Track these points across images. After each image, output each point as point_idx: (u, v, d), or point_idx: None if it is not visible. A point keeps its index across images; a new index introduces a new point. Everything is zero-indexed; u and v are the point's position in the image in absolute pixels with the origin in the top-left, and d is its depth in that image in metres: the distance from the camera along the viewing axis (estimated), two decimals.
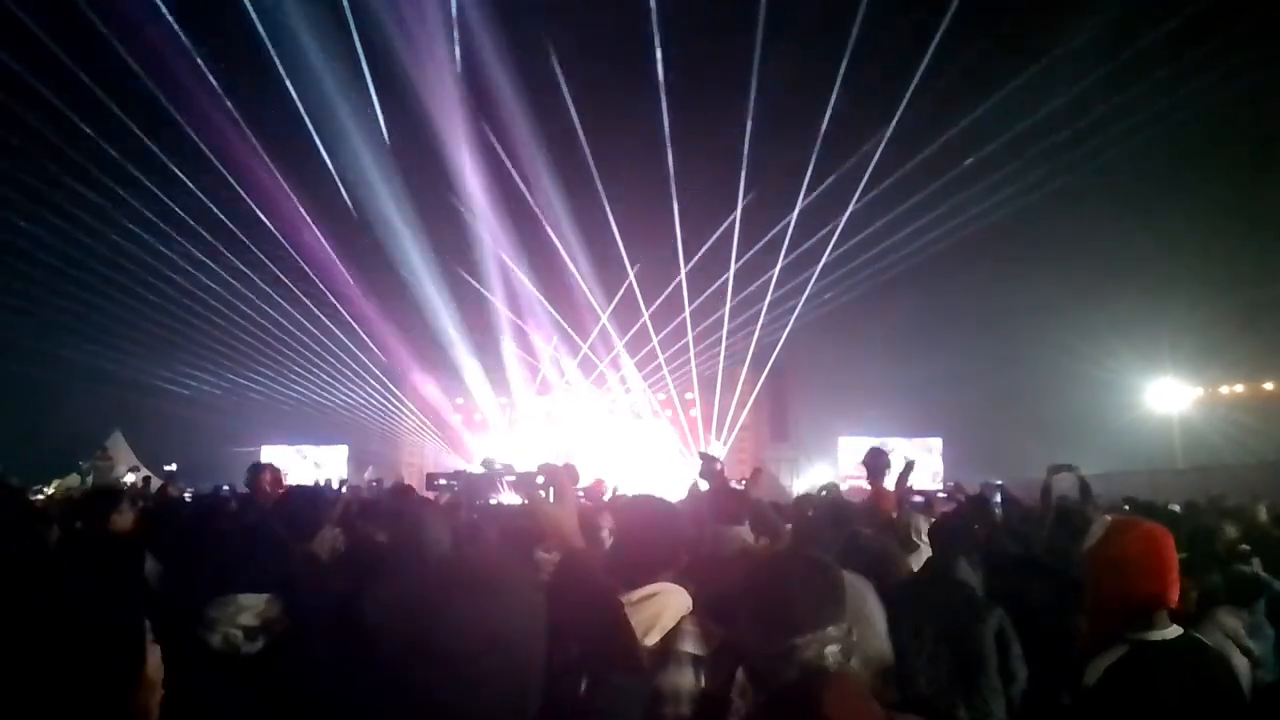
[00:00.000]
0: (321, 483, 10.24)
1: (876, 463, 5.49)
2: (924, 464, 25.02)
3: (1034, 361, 23.12)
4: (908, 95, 15.48)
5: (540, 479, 1.97)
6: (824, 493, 7.93)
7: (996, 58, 14.81)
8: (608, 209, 19.58)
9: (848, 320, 23.27)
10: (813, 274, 20.26)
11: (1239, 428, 21.89)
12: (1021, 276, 22.75)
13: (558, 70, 16.29)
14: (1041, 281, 22.64)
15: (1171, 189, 21.50)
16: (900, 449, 24.61)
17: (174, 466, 16.82)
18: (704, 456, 4.30)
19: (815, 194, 18.12)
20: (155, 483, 13.66)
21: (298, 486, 3.88)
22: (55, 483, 16.20)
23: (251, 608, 2.00)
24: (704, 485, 4.28)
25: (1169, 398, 23.66)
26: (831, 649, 1.49)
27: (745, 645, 1.65)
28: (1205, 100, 16.06)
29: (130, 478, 15.85)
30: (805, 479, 22.27)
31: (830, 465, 25.08)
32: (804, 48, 16.02)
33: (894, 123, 16.35)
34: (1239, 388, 23.54)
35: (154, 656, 1.55)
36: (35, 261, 17.95)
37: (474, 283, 21.44)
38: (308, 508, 3.56)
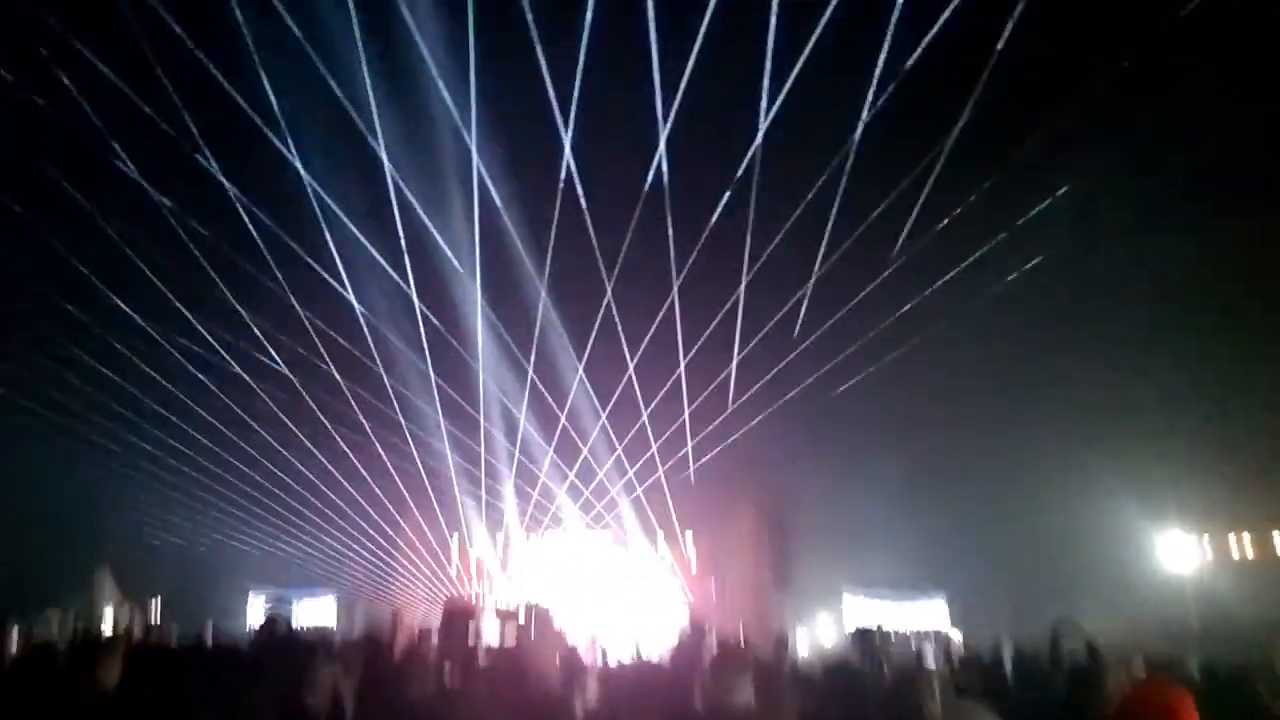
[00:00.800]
0: (308, 628, 9.99)
1: (867, 646, 5.44)
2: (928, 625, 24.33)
3: (1041, 512, 22.86)
4: (901, 240, 15.84)
5: (522, 619, 1.95)
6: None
7: (991, 200, 15.21)
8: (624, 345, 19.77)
9: (850, 465, 23.17)
10: (812, 414, 20.25)
11: (1253, 581, 21.45)
12: (1024, 424, 22.73)
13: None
14: (1044, 429, 22.62)
15: (1171, 337, 21.64)
16: (902, 613, 24.07)
17: (159, 603, 16.44)
18: (693, 625, 4.23)
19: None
20: (139, 619, 13.40)
21: (291, 634, 3.79)
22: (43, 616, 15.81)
23: None
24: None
25: (1179, 552, 23.26)
26: None
27: None
28: (1208, 247, 16.30)
29: (110, 612, 15.54)
30: (808, 629, 21.64)
31: (834, 618, 24.37)
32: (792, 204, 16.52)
33: (890, 268, 16.64)
34: (1248, 543, 23.23)
35: None
36: (26, 395, 17.94)
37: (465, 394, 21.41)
38: (302, 656, 3.48)
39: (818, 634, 19.59)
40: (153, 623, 12.34)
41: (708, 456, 22.56)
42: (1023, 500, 22.87)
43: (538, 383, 21.04)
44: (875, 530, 24.36)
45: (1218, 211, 15.94)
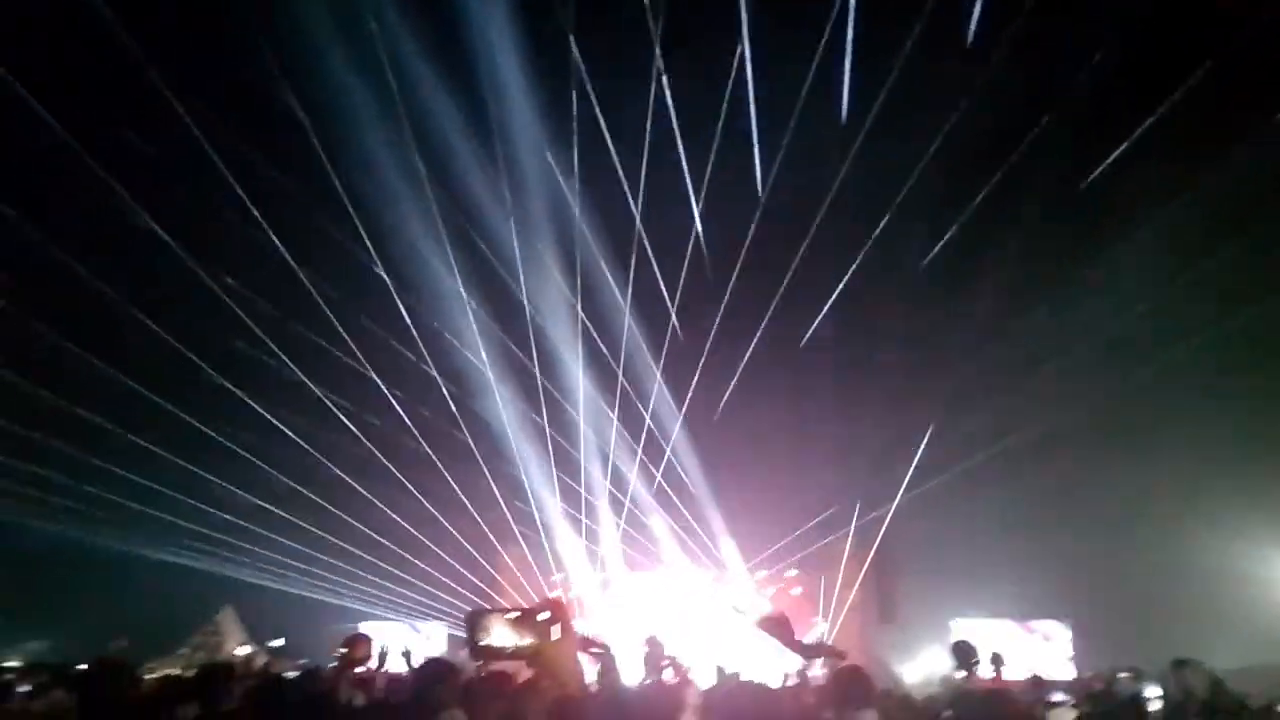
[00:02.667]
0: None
1: (965, 657, 5.27)
2: (1044, 652, 23.20)
3: (1167, 538, 21.57)
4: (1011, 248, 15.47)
5: (544, 614, 1.92)
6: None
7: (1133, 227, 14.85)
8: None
9: (960, 494, 22.32)
10: (919, 445, 19.75)
11: None
12: (1149, 447, 21.58)
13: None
14: (1170, 451, 21.44)
15: None
16: (1014, 636, 23.06)
17: (281, 641, 17.11)
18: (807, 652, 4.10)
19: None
20: (263, 658, 14.01)
21: (425, 662, 3.89)
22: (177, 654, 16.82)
23: None
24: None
25: None
26: None
27: None
28: None
29: (246, 650, 16.28)
30: (916, 664, 20.88)
31: (944, 650, 23.37)
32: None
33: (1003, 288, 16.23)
34: None
35: None
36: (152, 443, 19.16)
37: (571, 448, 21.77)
38: (430, 686, 3.54)
39: (928, 666, 18.81)
40: (272, 658, 12.85)
41: (808, 490, 22.32)
42: (1148, 526, 21.69)
43: (652, 428, 21.37)
44: (991, 557, 23.43)
45: None
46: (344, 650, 5.28)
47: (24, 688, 6.47)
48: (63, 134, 12.29)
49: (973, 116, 13.63)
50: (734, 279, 17.47)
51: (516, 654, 1.93)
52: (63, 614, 24.21)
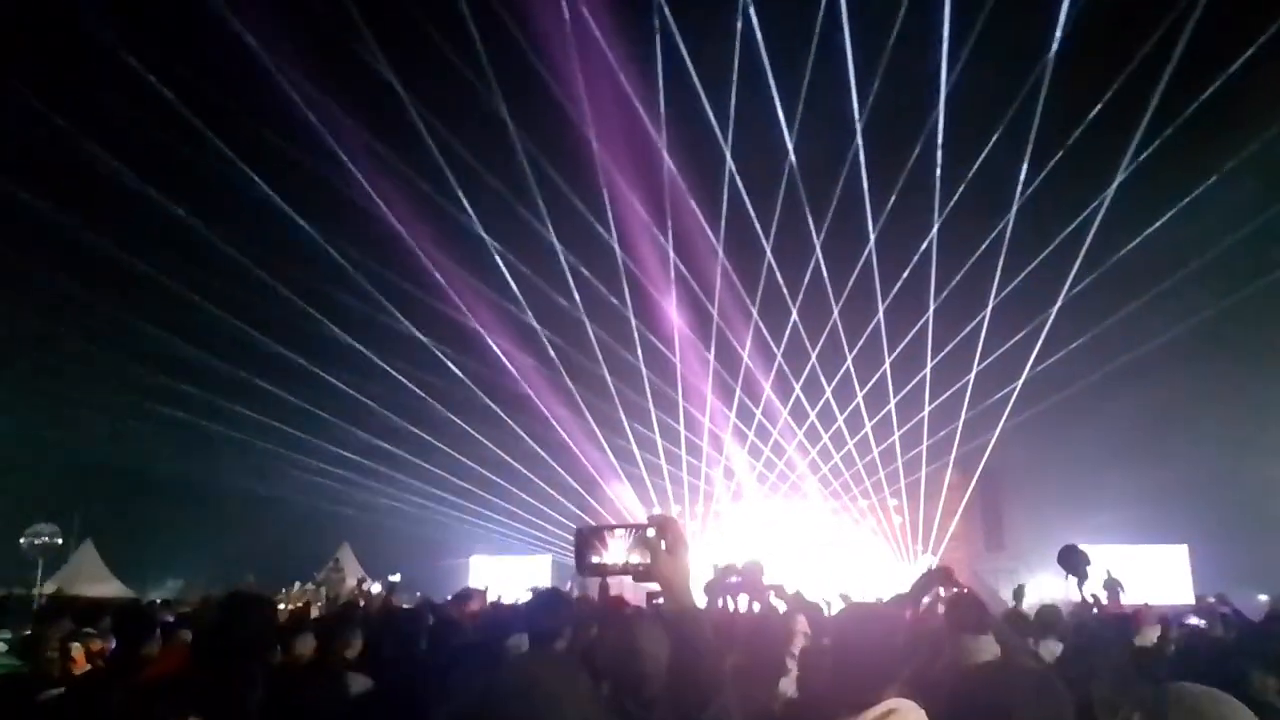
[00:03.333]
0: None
1: (1073, 561, 5.09)
2: (1166, 577, 22.36)
3: None
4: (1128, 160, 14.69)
5: (651, 531, 1.90)
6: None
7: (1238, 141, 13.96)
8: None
9: (1070, 417, 21.53)
10: (1024, 365, 19.08)
11: None
12: (1263, 364, 20.36)
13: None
14: None
15: None
16: (1137, 558, 22.24)
17: (397, 577, 17.95)
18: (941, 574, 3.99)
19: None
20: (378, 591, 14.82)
21: (542, 592, 4.02)
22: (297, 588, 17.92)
23: None
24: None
25: None
26: None
27: None
28: None
29: (371, 585, 17.22)
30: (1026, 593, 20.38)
31: (1055, 577, 22.72)
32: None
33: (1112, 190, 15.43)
34: None
35: None
36: (279, 395, 20.16)
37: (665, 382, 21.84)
38: (548, 614, 3.62)
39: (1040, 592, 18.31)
40: (389, 593, 13.51)
41: (914, 420, 21.90)
42: (1264, 445, 20.64)
43: (751, 368, 21.33)
44: (1101, 481, 22.62)
45: None
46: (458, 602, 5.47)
47: (168, 618, 6.92)
48: (189, 116, 12.90)
49: (1083, 29, 12.93)
50: (831, 210, 17.14)
51: (626, 570, 1.92)
52: (196, 554, 26.08)
